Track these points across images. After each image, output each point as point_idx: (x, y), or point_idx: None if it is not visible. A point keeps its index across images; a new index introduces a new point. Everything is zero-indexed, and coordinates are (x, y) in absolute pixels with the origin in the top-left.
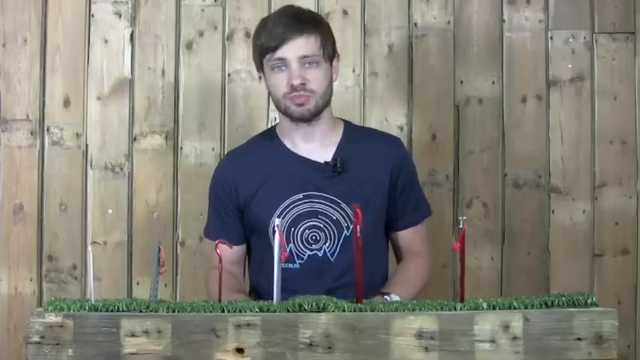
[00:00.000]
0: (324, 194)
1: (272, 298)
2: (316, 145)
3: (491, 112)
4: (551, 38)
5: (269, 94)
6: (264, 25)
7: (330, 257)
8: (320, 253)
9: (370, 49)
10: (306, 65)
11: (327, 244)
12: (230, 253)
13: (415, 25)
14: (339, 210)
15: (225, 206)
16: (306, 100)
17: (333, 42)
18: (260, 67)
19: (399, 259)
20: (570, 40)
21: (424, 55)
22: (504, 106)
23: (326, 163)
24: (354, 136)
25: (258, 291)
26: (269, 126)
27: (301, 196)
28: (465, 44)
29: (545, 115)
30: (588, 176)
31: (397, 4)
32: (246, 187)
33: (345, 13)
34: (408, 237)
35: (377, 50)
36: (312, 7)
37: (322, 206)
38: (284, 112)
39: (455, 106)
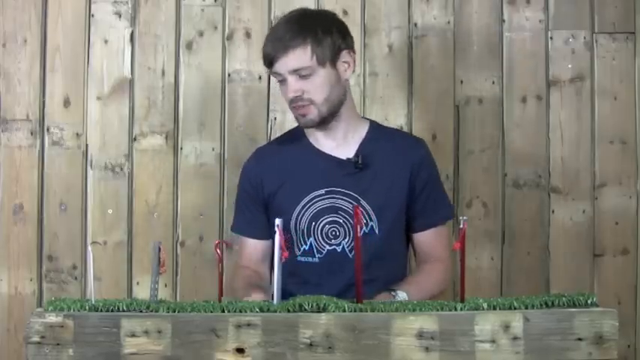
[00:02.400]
0: (345, 190)
1: (289, 291)
2: (339, 142)
3: (491, 112)
4: (551, 38)
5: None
6: (266, 37)
7: (349, 253)
8: (339, 249)
9: (370, 49)
10: (301, 76)
11: (345, 240)
12: (255, 251)
13: (415, 25)
14: (359, 207)
15: (252, 201)
16: (307, 111)
17: (331, 42)
18: None
19: (417, 264)
20: (570, 40)
21: (424, 55)
22: (504, 106)
23: (348, 159)
24: (378, 135)
25: None
26: (269, 126)
27: (323, 192)
28: (464, 44)
29: (545, 115)
30: (588, 176)
31: (397, 4)
32: (271, 183)
33: (345, 13)
34: (427, 240)
35: (377, 50)
36: (312, 8)
37: (343, 202)
38: (296, 119)
39: (455, 106)
